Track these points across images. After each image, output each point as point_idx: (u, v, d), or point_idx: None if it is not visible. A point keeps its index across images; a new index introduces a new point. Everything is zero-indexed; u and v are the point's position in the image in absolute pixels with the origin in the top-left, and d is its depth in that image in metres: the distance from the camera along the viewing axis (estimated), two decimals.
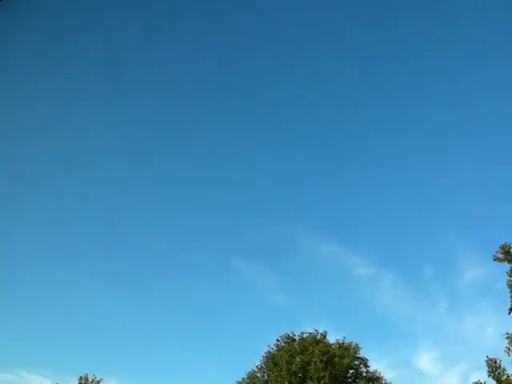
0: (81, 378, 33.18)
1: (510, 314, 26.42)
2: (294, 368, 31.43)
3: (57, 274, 59.51)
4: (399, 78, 71.32)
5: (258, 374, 32.95)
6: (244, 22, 71.15)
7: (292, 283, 60.48)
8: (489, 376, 25.82)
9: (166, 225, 68.43)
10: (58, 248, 65.48)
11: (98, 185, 68.77)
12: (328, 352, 31.56)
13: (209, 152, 72.54)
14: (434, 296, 59.06)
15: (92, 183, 68.50)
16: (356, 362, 32.30)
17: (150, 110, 69.44)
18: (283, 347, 32.84)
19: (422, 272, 60.24)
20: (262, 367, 33.03)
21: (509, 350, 25.63)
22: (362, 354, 32.65)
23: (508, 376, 25.20)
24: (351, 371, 32.16)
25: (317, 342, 32.52)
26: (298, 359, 31.93)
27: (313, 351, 31.53)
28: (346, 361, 31.38)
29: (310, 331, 33.44)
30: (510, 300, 26.43)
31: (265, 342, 34.09)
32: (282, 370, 31.44)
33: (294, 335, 33.48)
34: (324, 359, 31.07)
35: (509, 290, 26.19)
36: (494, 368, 25.65)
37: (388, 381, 32.42)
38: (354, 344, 32.58)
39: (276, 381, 31.48)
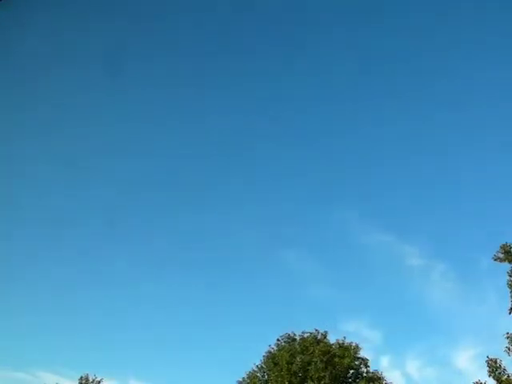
0: (81, 378, 33.18)
1: (510, 313, 26.41)
2: (294, 368, 31.42)
3: (57, 273, 59.53)
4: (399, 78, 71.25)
5: (258, 374, 32.96)
6: (244, 19, 71.21)
7: (337, 274, 59.86)
8: (489, 376, 25.80)
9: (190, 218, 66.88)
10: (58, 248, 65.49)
11: (98, 184, 68.84)
12: (328, 352, 31.55)
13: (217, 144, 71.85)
14: (485, 291, 57.23)
15: (92, 182, 68.53)
16: (356, 362, 32.28)
17: (151, 106, 69.81)
18: (284, 347, 32.85)
19: (477, 264, 58.27)
20: (262, 367, 33.05)
21: (509, 349, 25.61)
22: (361, 354, 32.73)
23: (508, 376, 25.18)
24: (351, 371, 32.14)
25: (317, 341, 32.53)
26: (298, 359, 31.92)
27: (313, 351, 31.54)
28: (347, 361, 31.37)
29: (311, 331, 33.49)
30: (510, 300, 26.43)
31: None
32: (282, 369, 31.44)
33: (295, 335, 33.52)
34: (324, 359, 31.06)
35: (509, 290, 26.20)
36: (494, 368, 25.62)
37: (389, 381, 32.49)
38: (354, 344, 32.62)
39: (276, 381, 31.48)
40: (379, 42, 71.45)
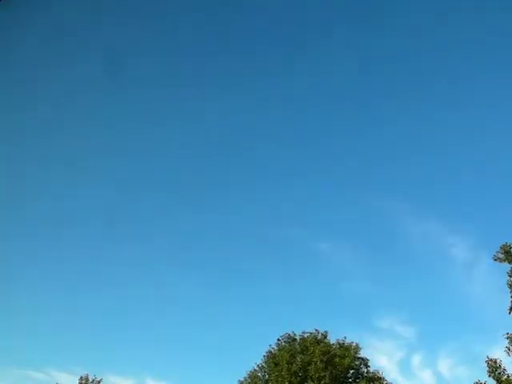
0: (81, 378, 33.21)
1: (510, 313, 26.42)
2: (294, 368, 31.45)
3: (64, 273, 59.53)
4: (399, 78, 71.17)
5: (259, 374, 33.03)
6: (244, 19, 71.02)
7: (376, 267, 57.96)
8: (489, 376, 25.80)
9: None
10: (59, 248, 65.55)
11: (97, 184, 68.90)
12: (329, 352, 31.58)
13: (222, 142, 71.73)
14: None
15: (92, 182, 68.58)
16: (357, 362, 32.32)
17: (151, 106, 69.70)
18: (284, 347, 32.89)
19: None
20: (262, 367, 33.10)
21: (509, 349, 25.62)
22: (362, 353, 32.78)
23: (508, 376, 25.18)
24: (352, 371, 32.18)
25: (317, 341, 32.54)
26: (298, 359, 31.97)
27: (313, 351, 31.55)
28: (347, 361, 31.39)
29: (311, 331, 33.52)
30: (510, 300, 26.44)
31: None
32: (282, 369, 31.46)
33: (295, 335, 33.56)
34: (324, 359, 31.09)
35: (509, 290, 26.21)
36: (494, 368, 25.62)
37: (389, 381, 32.52)
38: (354, 344, 32.66)
39: (276, 380, 31.52)
40: (379, 42, 71.34)
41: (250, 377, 33.13)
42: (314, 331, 33.39)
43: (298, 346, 32.85)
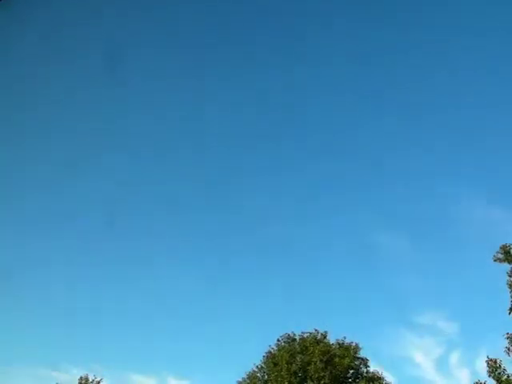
0: (81, 378, 33.10)
1: (510, 313, 26.43)
2: (294, 368, 31.44)
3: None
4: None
5: (258, 374, 33.00)
6: (244, 10, 71.10)
7: (430, 259, 55.78)
8: (489, 376, 25.82)
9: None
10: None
11: (98, 179, 68.71)
12: (328, 352, 31.58)
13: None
14: None
15: (92, 178, 68.43)
16: (356, 362, 32.33)
17: (151, 99, 69.77)
18: (283, 347, 32.87)
19: None
20: (262, 367, 33.07)
21: (509, 350, 25.63)
22: (361, 354, 32.79)
23: (508, 376, 25.19)
24: (351, 371, 32.19)
25: (317, 341, 32.53)
26: (298, 359, 31.97)
27: (313, 351, 31.54)
28: (347, 361, 31.40)
29: (311, 331, 33.51)
30: (510, 300, 26.46)
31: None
32: (282, 369, 31.45)
33: (295, 335, 33.54)
34: (324, 359, 31.09)
35: (509, 290, 26.23)
36: (494, 368, 25.63)
37: (388, 381, 32.55)
38: (354, 344, 32.64)
39: (276, 381, 31.50)
40: (379, 34, 71.04)
41: (249, 377, 33.11)
42: (314, 331, 33.42)
43: (297, 346, 32.85)
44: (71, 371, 49.41)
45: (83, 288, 59.31)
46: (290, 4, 68.36)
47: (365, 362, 32.65)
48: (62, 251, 63.95)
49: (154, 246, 65.45)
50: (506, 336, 25.96)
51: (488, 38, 66.58)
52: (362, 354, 32.68)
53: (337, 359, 31.42)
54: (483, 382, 25.99)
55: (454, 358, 49.91)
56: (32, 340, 51.73)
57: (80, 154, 65.92)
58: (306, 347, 32.26)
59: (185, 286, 60.33)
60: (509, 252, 26.05)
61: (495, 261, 26.46)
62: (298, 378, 31.33)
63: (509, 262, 26.12)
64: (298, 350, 32.57)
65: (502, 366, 25.58)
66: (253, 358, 33.84)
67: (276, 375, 31.52)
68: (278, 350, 32.87)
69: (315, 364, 30.99)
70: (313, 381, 30.73)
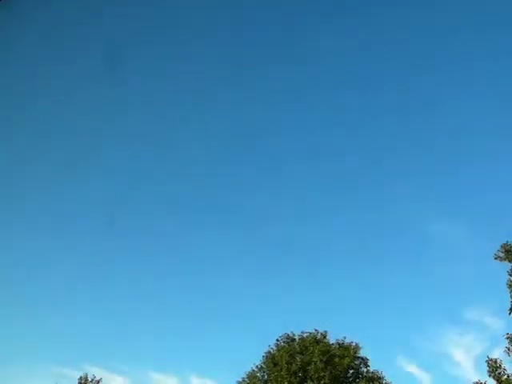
0: (81, 378, 33.13)
1: (510, 314, 26.42)
2: (293, 368, 31.41)
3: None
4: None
5: (258, 374, 32.97)
6: (246, 7, 70.90)
7: (485, 248, 54.53)
8: (489, 376, 25.82)
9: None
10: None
11: (98, 182, 68.72)
12: (328, 352, 31.55)
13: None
14: None
15: (92, 177, 68.45)
16: (356, 362, 32.30)
17: (151, 98, 69.75)
18: (283, 347, 32.84)
19: None
20: (261, 367, 33.05)
21: (509, 350, 25.62)
22: (361, 353, 32.77)
23: (508, 376, 25.19)
24: (351, 371, 32.16)
25: (317, 341, 32.50)
26: (297, 359, 31.94)
27: (313, 351, 31.53)
28: (346, 361, 31.37)
29: (310, 331, 33.49)
30: (510, 300, 26.44)
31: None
32: (281, 369, 31.43)
33: (294, 335, 33.50)
34: (324, 359, 31.07)
35: (509, 290, 26.21)
36: (494, 368, 25.63)
37: (388, 380, 32.52)
38: (354, 344, 32.63)
39: (276, 381, 31.48)
40: (380, 26, 71.01)
41: (248, 377, 33.09)
42: (314, 331, 33.40)
43: (297, 346, 32.82)
44: (91, 370, 49.58)
45: (103, 288, 59.45)
46: (290, 3, 68.22)
47: (365, 361, 32.64)
48: (63, 251, 64.19)
49: (155, 245, 65.52)
50: (506, 336, 25.95)
51: (489, 36, 66.43)
52: (361, 353, 32.73)
53: (337, 359, 31.39)
54: (483, 381, 26.00)
55: (496, 355, 49.34)
56: (53, 339, 51.90)
57: (80, 154, 66.09)
58: (306, 347, 32.24)
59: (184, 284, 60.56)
60: (509, 251, 26.03)
61: (496, 259, 26.46)
62: (297, 378, 31.30)
63: (509, 261, 26.11)
64: (298, 349, 32.55)
65: (502, 366, 25.60)
66: (253, 358, 33.95)
67: (276, 375, 31.50)
68: (278, 350, 32.85)
69: (315, 364, 30.97)
70: (313, 381, 30.71)
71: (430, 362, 48.91)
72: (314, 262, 62.10)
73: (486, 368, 25.73)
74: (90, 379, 33.11)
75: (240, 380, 33.37)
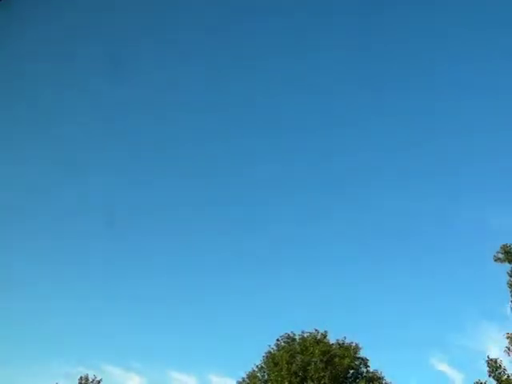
0: (81, 377, 33.10)
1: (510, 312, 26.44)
2: (294, 368, 31.41)
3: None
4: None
5: (258, 374, 32.99)
6: (246, 8, 70.80)
7: None
8: (489, 376, 25.83)
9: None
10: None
11: (98, 176, 68.66)
12: (328, 352, 31.56)
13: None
14: None
15: (92, 175, 68.39)
16: (356, 362, 32.30)
17: (151, 99, 69.79)
18: (283, 347, 32.85)
19: None
20: (262, 367, 33.06)
21: (509, 349, 25.63)
22: (362, 353, 32.77)
23: (508, 376, 25.19)
24: (351, 371, 32.18)
25: (317, 341, 32.50)
26: (298, 359, 31.95)
27: (313, 351, 31.54)
28: (347, 361, 31.38)
29: (311, 331, 33.50)
30: (510, 300, 26.46)
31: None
32: (282, 369, 31.44)
33: (295, 335, 33.51)
34: (324, 359, 31.09)
35: (509, 290, 26.22)
36: (494, 368, 25.64)
37: (388, 380, 32.53)
38: (354, 344, 32.64)
39: (276, 381, 31.50)
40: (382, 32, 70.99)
41: (248, 377, 33.12)
42: (314, 331, 33.41)
43: (297, 346, 32.82)
44: (108, 369, 49.79)
45: (116, 286, 59.36)
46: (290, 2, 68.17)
47: (365, 361, 32.66)
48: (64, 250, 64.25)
49: (155, 244, 65.55)
50: (506, 336, 25.96)
51: (490, 35, 66.34)
52: (362, 353, 32.74)
53: (337, 359, 31.40)
54: (483, 381, 26.01)
55: None
56: (68, 338, 51.83)
57: (80, 153, 66.13)
58: (306, 347, 32.24)
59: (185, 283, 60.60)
60: (509, 252, 26.04)
61: (495, 261, 26.46)
62: (298, 378, 31.30)
63: (509, 262, 26.11)
64: (298, 349, 32.55)
65: (502, 366, 25.60)
66: (253, 358, 33.96)
67: (276, 375, 31.52)
68: (278, 350, 32.87)
69: (315, 364, 31.00)
70: (313, 381, 30.72)
71: (464, 360, 48.50)
72: (315, 261, 62.07)
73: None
74: (90, 379, 33.13)
75: (240, 380, 33.45)
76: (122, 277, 61.47)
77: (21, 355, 49.54)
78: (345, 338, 32.99)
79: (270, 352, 33.11)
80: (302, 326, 34.16)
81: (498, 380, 25.33)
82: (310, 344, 32.27)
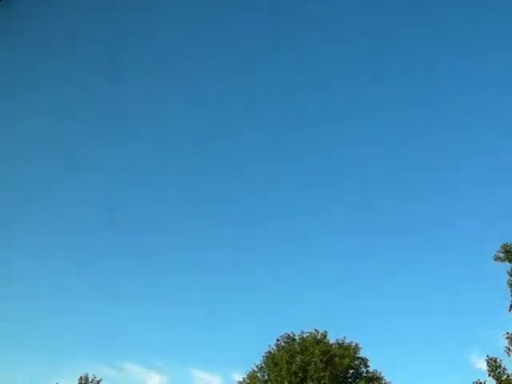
0: (81, 378, 33.07)
1: (510, 311, 26.44)
2: (294, 368, 31.44)
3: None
4: None
5: (258, 374, 33.00)
6: (246, 6, 70.79)
7: None
8: (489, 376, 25.82)
9: None
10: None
11: (98, 174, 68.61)
12: (328, 352, 31.59)
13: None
14: None
15: (92, 179, 68.38)
16: (356, 362, 32.34)
17: (152, 98, 69.81)
18: (283, 347, 32.87)
19: None
20: (262, 367, 33.07)
21: (509, 349, 25.62)
22: (361, 353, 32.78)
23: (508, 376, 25.19)
24: (351, 371, 32.22)
25: (317, 341, 32.52)
26: (298, 359, 31.97)
27: (313, 351, 31.56)
28: (346, 361, 31.41)
29: (310, 331, 33.51)
30: (510, 300, 26.46)
31: None
32: (282, 369, 31.47)
33: (294, 335, 33.52)
34: (324, 359, 31.12)
35: (509, 290, 26.23)
36: (494, 367, 25.63)
37: (388, 380, 32.54)
38: (354, 344, 32.65)
39: (276, 381, 31.53)
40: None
41: (249, 377, 33.13)
42: (314, 331, 33.42)
43: (297, 346, 32.84)
44: (128, 367, 49.82)
45: (117, 284, 59.16)
46: (291, 6, 68.09)
47: (364, 361, 32.68)
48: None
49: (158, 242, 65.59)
50: (506, 336, 25.95)
51: (490, 29, 66.39)
52: (361, 353, 32.78)
53: (337, 359, 31.44)
54: (483, 381, 26.01)
55: None
56: (93, 338, 51.30)
57: (80, 153, 66.15)
58: (306, 347, 32.26)
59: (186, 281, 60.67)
60: (509, 251, 26.03)
61: (496, 260, 26.46)
62: (297, 378, 31.33)
63: (509, 261, 26.11)
64: (298, 350, 32.57)
65: (502, 366, 25.59)
66: (253, 358, 33.97)
67: (276, 375, 31.54)
68: (278, 350, 32.88)
69: (315, 364, 31.02)
70: (313, 381, 30.74)
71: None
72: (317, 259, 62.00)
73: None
74: (90, 379, 33.12)
75: (240, 380, 33.46)
76: (125, 275, 61.35)
77: (41, 353, 49.81)
78: (344, 337, 33.08)
79: (269, 352, 33.13)
80: (301, 325, 34.31)
81: (497, 379, 25.33)
82: (310, 344, 32.29)
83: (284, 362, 31.66)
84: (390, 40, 70.38)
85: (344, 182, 70.41)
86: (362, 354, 32.70)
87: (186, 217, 67.50)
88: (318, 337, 33.06)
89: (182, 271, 62.74)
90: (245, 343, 50.33)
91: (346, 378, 32.10)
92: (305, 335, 33.33)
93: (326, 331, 33.35)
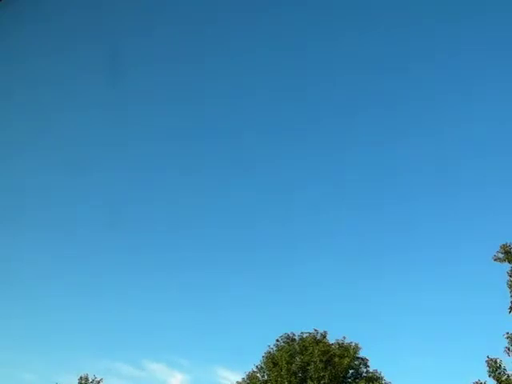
0: (81, 378, 33.05)
1: (510, 312, 26.36)
2: (293, 368, 31.48)
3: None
4: None
5: (258, 374, 33.00)
6: (246, 5, 70.78)
7: None
8: (489, 376, 25.73)
9: None
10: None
11: (99, 179, 68.80)
12: (328, 352, 31.58)
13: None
14: None
15: (93, 178, 68.50)
16: (356, 362, 32.35)
17: (152, 98, 70.11)
18: (283, 347, 32.87)
19: None
20: (261, 367, 33.08)
21: (509, 350, 25.56)
22: (361, 353, 32.79)
23: (508, 376, 25.13)
24: (351, 371, 32.21)
25: (317, 341, 32.53)
26: (297, 359, 31.98)
27: (313, 351, 31.56)
28: (346, 361, 31.39)
29: (310, 331, 33.51)
30: (510, 300, 26.38)
31: None
32: (281, 370, 31.48)
33: (294, 335, 33.54)
34: (324, 359, 31.10)
35: (509, 290, 26.16)
36: (494, 368, 25.56)
37: (388, 380, 32.54)
38: (354, 344, 32.64)
39: (276, 381, 31.53)
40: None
41: (248, 377, 33.13)
42: (313, 331, 33.43)
43: (297, 346, 32.85)
44: (151, 367, 50.92)
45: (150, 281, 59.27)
46: (292, 11, 68.13)
47: (364, 361, 32.70)
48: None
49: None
50: (505, 336, 25.89)
51: (490, 25, 66.37)
52: (361, 353, 32.81)
53: (336, 359, 31.42)
54: (483, 381, 25.95)
55: None
56: (112, 335, 52.54)
57: (80, 152, 66.22)
58: (306, 347, 32.26)
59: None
60: (509, 252, 25.96)
61: (495, 260, 26.37)
62: (297, 378, 31.35)
63: (509, 262, 26.04)
64: (298, 350, 32.58)
65: (502, 366, 25.52)
66: (253, 358, 33.96)
67: (276, 375, 31.56)
68: (278, 350, 32.88)
69: (315, 364, 31.01)
70: (313, 381, 30.74)
71: None
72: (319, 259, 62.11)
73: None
74: (90, 379, 33.09)
75: (240, 380, 33.45)
76: (146, 273, 61.58)
77: (62, 349, 50.72)
78: (344, 337, 33.10)
79: (269, 352, 33.14)
80: (301, 326, 34.40)
81: (497, 380, 25.26)
82: (310, 344, 32.29)
83: (284, 362, 31.67)
84: (390, 32, 70.55)
85: (344, 182, 70.70)
86: (362, 354, 32.82)
87: (187, 215, 67.73)
88: (318, 337, 33.08)
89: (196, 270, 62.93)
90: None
91: (345, 378, 32.08)
92: (304, 335, 33.35)
93: (325, 331, 33.44)
